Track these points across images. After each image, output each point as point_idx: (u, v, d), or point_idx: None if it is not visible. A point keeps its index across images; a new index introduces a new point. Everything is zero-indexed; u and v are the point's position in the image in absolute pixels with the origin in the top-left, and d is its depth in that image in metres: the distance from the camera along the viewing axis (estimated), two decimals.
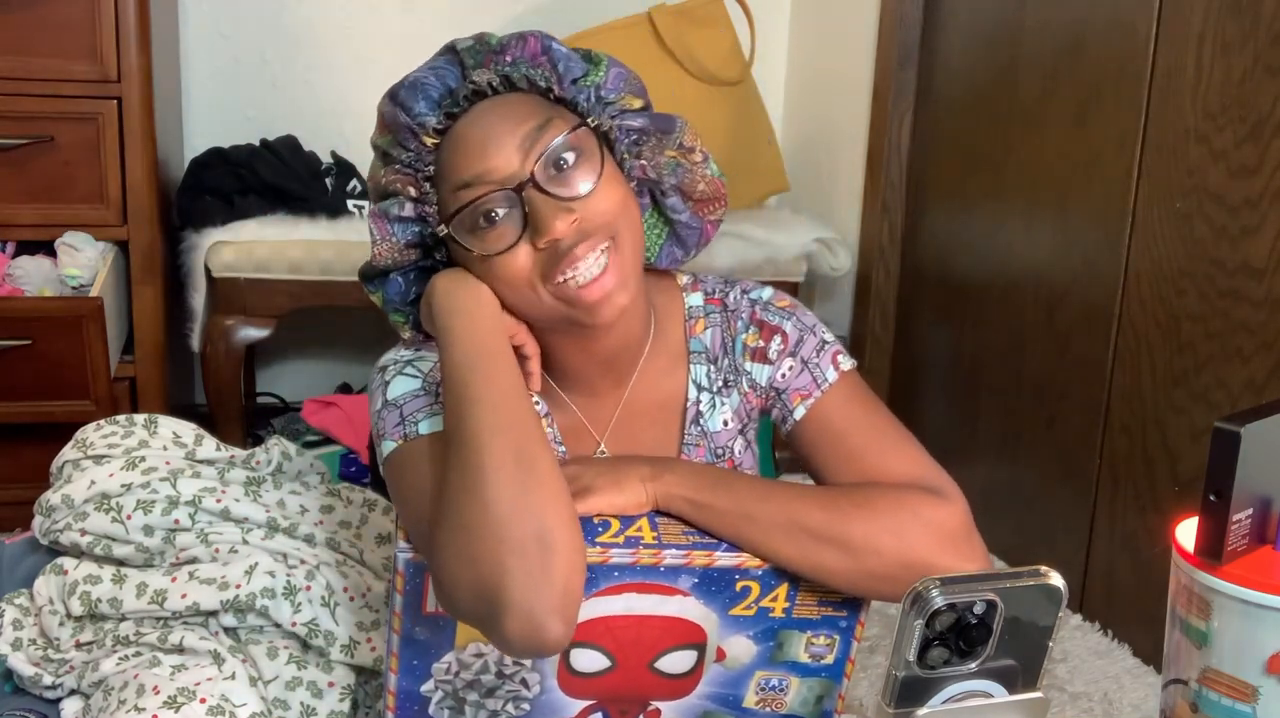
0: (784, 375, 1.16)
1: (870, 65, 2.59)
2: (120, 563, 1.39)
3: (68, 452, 1.50)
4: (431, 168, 1.06)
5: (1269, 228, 1.63)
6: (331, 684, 1.30)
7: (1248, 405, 1.19)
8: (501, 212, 1.02)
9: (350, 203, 2.35)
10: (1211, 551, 0.90)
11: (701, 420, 1.18)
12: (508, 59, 1.07)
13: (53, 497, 1.43)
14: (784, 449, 2.42)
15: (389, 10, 2.71)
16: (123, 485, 1.40)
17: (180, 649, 1.29)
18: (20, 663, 1.34)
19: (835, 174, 2.75)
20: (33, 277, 2.04)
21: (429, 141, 1.05)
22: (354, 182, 2.41)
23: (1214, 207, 1.72)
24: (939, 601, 0.78)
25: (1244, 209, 1.67)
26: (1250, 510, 0.91)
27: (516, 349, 1.07)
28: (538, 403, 1.14)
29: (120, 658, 1.29)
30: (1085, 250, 2.00)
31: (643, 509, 1.04)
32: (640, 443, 1.16)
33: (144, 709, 1.17)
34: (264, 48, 2.65)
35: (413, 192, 1.06)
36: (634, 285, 1.06)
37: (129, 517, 1.37)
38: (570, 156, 1.02)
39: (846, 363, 1.16)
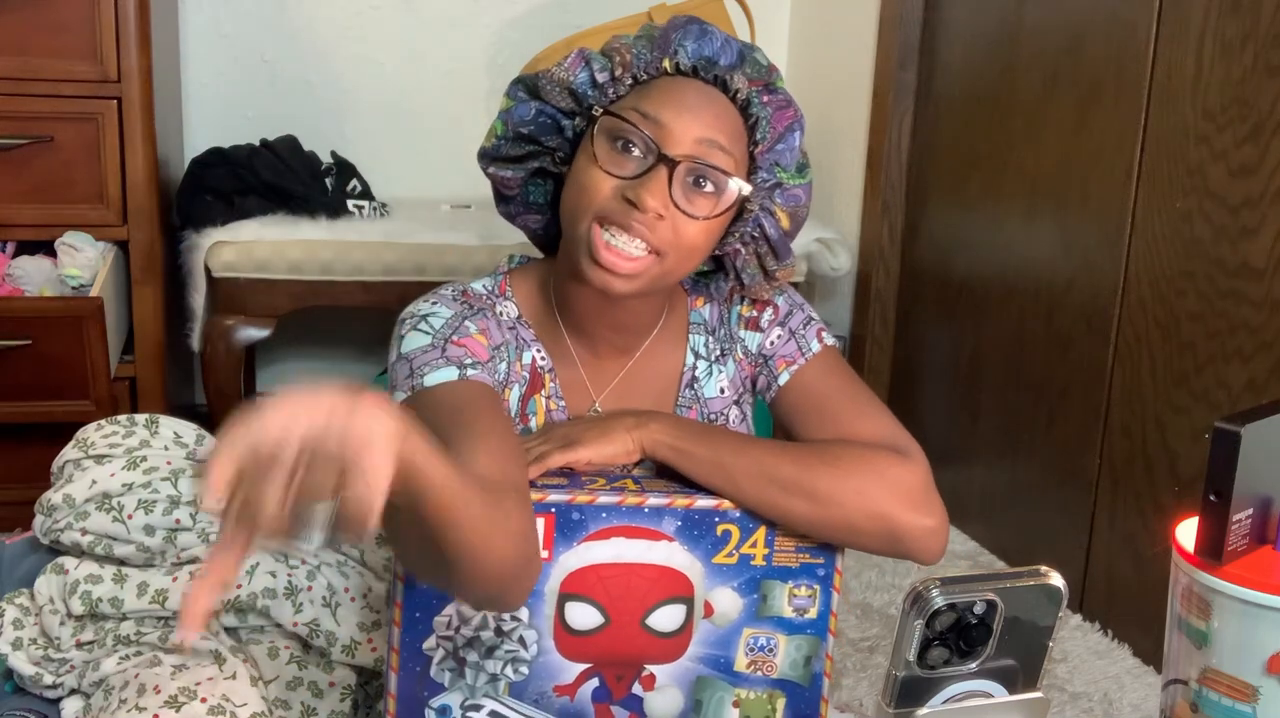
0: (772, 343, 1.24)
1: (870, 65, 2.59)
2: (121, 563, 1.39)
3: (69, 451, 1.50)
4: (645, 76, 1.13)
5: (1269, 228, 1.63)
6: (332, 684, 1.31)
7: (1248, 405, 1.19)
8: (638, 152, 1.09)
9: (350, 203, 2.35)
10: (1211, 550, 0.90)
11: (696, 385, 1.24)
12: (765, 99, 1.14)
13: (54, 496, 1.43)
14: None
15: (389, 10, 2.71)
16: (124, 485, 1.40)
17: (181, 649, 1.29)
18: (21, 663, 1.34)
19: (835, 174, 2.75)
20: (33, 277, 2.04)
21: (666, 65, 1.12)
22: (354, 181, 2.41)
23: (1214, 206, 1.72)
24: (939, 601, 0.79)
25: (1244, 209, 1.67)
26: (1250, 511, 0.91)
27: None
28: (544, 358, 1.20)
29: (121, 658, 1.29)
30: (1085, 250, 2.00)
31: (631, 458, 1.11)
32: (636, 405, 1.21)
33: (145, 708, 1.17)
34: (264, 48, 2.65)
35: (618, 73, 1.12)
36: (639, 288, 1.11)
37: (130, 516, 1.37)
38: (710, 187, 1.10)
39: (830, 339, 1.26)
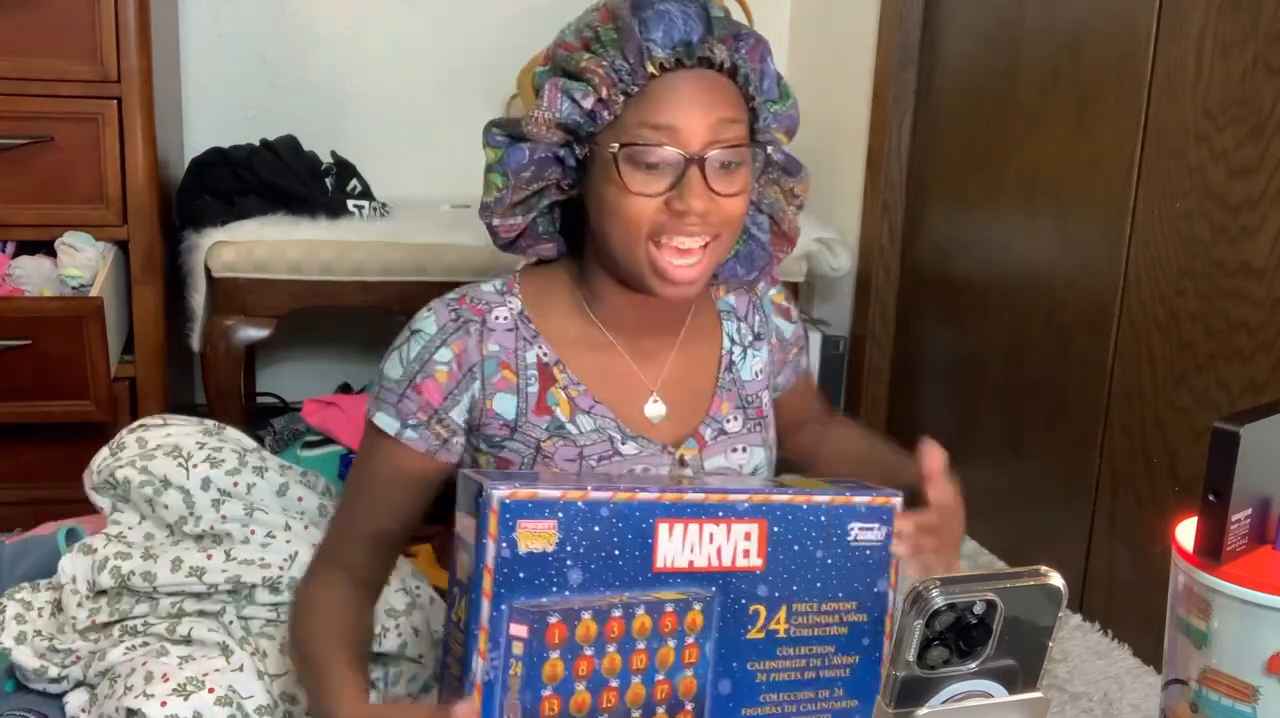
0: (797, 336, 1.37)
1: (870, 65, 2.59)
2: (148, 536, 1.41)
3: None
4: (636, 88, 1.11)
5: (1269, 228, 1.63)
6: None
7: (1248, 405, 1.19)
8: (666, 164, 1.11)
9: (350, 203, 2.35)
10: (1211, 550, 0.90)
11: (734, 369, 1.29)
12: (741, 49, 1.15)
13: (127, 437, 1.47)
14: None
15: (389, 9, 2.71)
16: (198, 443, 1.46)
17: (188, 641, 1.29)
18: (25, 657, 1.35)
19: (835, 174, 2.75)
20: (33, 277, 2.04)
21: (649, 69, 1.11)
22: (354, 181, 2.41)
23: (1214, 207, 1.72)
24: (939, 601, 0.78)
25: (1244, 209, 1.67)
26: (1250, 510, 0.91)
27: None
28: (546, 353, 1.20)
29: (128, 648, 1.30)
30: (1085, 250, 2.00)
31: None
32: (683, 391, 1.25)
33: (153, 696, 1.18)
34: (264, 48, 2.65)
35: (605, 93, 1.12)
36: (706, 281, 1.17)
37: (195, 465, 1.42)
38: (736, 163, 1.13)
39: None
